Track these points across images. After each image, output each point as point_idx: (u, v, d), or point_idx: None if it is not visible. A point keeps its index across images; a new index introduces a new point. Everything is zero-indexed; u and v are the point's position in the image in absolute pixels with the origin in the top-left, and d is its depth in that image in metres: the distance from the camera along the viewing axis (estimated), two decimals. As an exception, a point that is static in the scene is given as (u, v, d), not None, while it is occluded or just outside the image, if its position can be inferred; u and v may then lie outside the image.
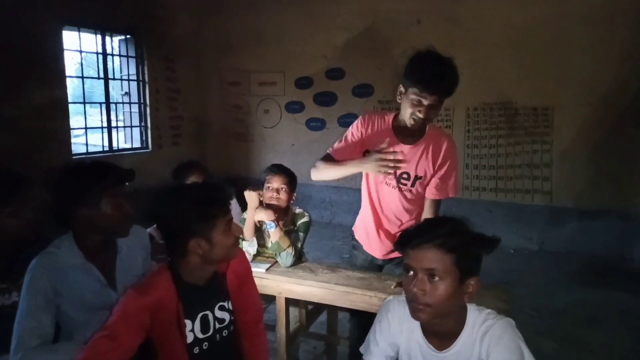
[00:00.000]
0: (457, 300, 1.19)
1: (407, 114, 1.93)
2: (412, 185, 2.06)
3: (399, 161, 1.89)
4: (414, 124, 1.94)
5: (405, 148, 2.02)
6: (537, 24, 4.85)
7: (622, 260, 4.67)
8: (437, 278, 1.15)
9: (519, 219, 5.12)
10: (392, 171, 1.93)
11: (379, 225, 2.20)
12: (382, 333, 1.38)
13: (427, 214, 2.10)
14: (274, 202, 2.35)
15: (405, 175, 2.06)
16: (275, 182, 2.37)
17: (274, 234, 2.27)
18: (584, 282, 4.20)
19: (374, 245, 2.25)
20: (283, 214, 2.40)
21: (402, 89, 1.95)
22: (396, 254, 2.16)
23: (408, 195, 2.10)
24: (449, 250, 1.15)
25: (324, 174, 2.10)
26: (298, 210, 2.46)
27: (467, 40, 5.14)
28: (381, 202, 2.16)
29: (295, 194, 2.45)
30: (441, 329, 1.24)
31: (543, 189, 5.10)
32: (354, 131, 2.10)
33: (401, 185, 2.07)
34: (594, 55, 4.69)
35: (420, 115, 1.89)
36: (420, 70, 1.86)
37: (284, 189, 2.36)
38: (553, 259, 4.83)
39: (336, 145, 2.13)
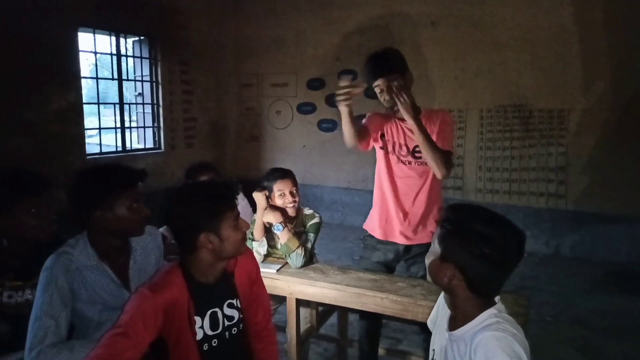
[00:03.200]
0: (441, 276, 1.23)
1: (385, 105, 2.22)
2: (412, 156, 2.23)
3: (350, 87, 1.99)
4: (392, 108, 2.19)
5: (406, 125, 2.20)
6: (555, 27, 4.80)
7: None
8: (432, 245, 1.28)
9: (534, 222, 5.04)
10: (348, 98, 1.99)
11: (396, 200, 2.27)
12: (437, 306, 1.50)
13: None
14: (290, 206, 2.33)
15: (404, 149, 2.25)
16: (287, 187, 2.33)
17: (282, 236, 2.26)
18: (604, 290, 4.10)
19: (396, 228, 2.26)
20: (293, 216, 2.39)
21: None
22: (419, 239, 2.23)
23: (408, 165, 2.25)
24: (441, 225, 1.24)
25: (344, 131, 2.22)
26: (308, 212, 2.44)
27: (481, 42, 5.11)
28: (394, 176, 2.30)
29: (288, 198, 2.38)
30: (452, 308, 1.28)
31: (558, 192, 5.02)
32: (368, 118, 2.36)
33: (401, 157, 2.26)
34: (614, 59, 4.61)
35: (384, 98, 2.16)
36: (364, 68, 2.21)
37: (296, 191, 2.35)
38: (569, 264, 4.74)
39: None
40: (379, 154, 2.34)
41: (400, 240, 2.27)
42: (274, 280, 2.20)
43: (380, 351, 2.57)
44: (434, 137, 2.13)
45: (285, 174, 2.37)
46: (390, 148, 2.29)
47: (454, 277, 1.21)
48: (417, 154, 2.22)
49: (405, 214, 2.26)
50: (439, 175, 2.13)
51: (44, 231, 1.65)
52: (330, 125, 6.16)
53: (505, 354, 1.09)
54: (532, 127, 5.06)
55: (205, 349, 1.43)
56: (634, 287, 4.15)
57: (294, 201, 2.33)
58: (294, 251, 2.25)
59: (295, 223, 2.39)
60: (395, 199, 2.28)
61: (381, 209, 2.34)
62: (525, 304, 1.88)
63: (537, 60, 4.91)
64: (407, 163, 2.25)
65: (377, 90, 2.17)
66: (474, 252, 1.17)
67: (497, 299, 1.25)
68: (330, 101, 6.08)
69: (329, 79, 6.02)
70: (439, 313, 1.44)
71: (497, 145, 5.24)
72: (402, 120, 2.19)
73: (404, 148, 2.24)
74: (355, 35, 5.72)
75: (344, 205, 6.14)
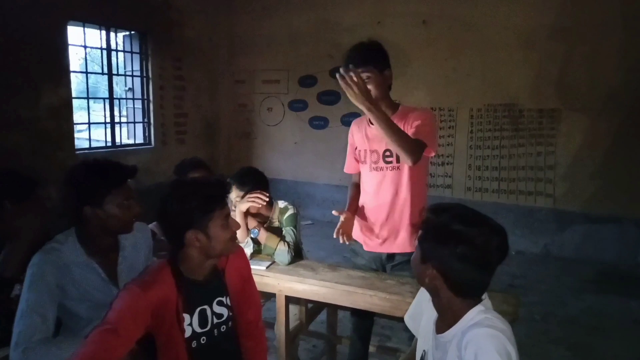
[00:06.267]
0: (422, 277, 1.24)
1: None
2: (384, 162, 2.13)
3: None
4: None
5: (372, 129, 2.12)
6: (546, 27, 4.84)
7: (635, 268, 4.60)
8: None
9: (523, 221, 5.09)
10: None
11: (372, 212, 2.22)
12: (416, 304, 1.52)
13: None
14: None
15: (375, 155, 2.15)
16: (232, 195, 2.29)
17: (260, 239, 2.30)
18: (590, 288, 4.15)
19: (375, 239, 2.23)
20: (268, 213, 2.40)
21: None
22: (402, 247, 2.16)
23: (380, 172, 2.15)
24: (419, 227, 1.26)
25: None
26: (282, 205, 2.44)
27: (472, 42, 5.14)
28: (369, 186, 2.22)
29: (267, 196, 2.30)
30: (438, 309, 1.28)
31: (546, 191, 5.07)
32: (349, 142, 2.32)
33: (373, 164, 2.16)
34: (603, 58, 4.66)
35: None
36: (344, 56, 2.09)
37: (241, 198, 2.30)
38: (557, 263, 4.80)
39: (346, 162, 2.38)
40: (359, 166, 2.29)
41: (382, 250, 2.23)
42: (263, 277, 2.20)
43: (370, 348, 2.58)
44: (411, 130, 2.01)
45: (233, 182, 2.30)
46: (362, 157, 2.21)
47: (434, 278, 1.21)
48: (387, 159, 2.11)
49: (383, 224, 2.17)
50: (408, 163, 1.92)
51: (35, 232, 1.63)
52: (321, 123, 6.16)
53: (495, 350, 1.09)
54: (522, 127, 5.10)
55: (194, 346, 1.43)
56: (622, 287, 4.20)
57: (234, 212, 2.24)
58: (276, 248, 2.27)
59: (270, 220, 2.40)
60: (371, 210, 2.22)
61: (360, 221, 2.30)
62: (514, 302, 1.90)
63: (528, 60, 4.94)
64: (379, 170, 2.14)
65: None
66: (448, 252, 1.16)
67: (483, 295, 1.24)
68: (323, 99, 6.09)
69: (321, 76, 6.02)
70: (422, 312, 1.43)
71: (487, 144, 5.28)
72: (372, 124, 2.11)
73: (374, 154, 2.14)
74: (348, 33, 5.71)
75: (335, 203, 6.14)
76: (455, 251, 1.15)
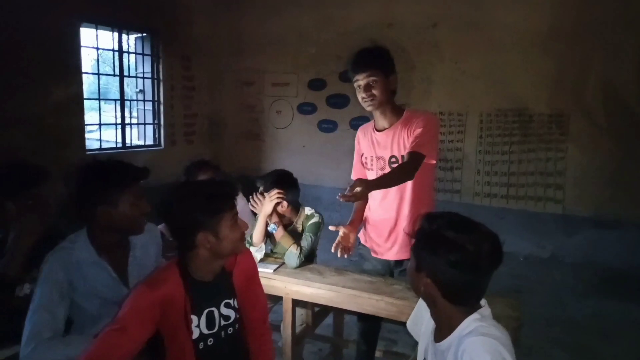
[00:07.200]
0: (417, 285, 1.23)
1: (361, 104, 2.10)
2: (390, 168, 2.12)
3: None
4: (368, 109, 2.10)
5: (377, 135, 2.17)
6: (555, 29, 4.81)
7: (639, 272, 4.57)
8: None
9: (530, 227, 5.06)
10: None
11: (380, 219, 2.22)
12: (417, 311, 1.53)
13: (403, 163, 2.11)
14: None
15: (381, 162, 2.16)
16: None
17: (277, 235, 2.32)
18: (598, 293, 4.13)
19: (383, 246, 2.23)
20: (294, 215, 2.42)
21: None
22: (406, 255, 2.15)
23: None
24: (413, 235, 1.24)
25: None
26: (309, 212, 2.45)
27: (482, 45, 5.12)
28: (373, 193, 2.18)
29: (285, 203, 2.35)
30: (434, 318, 1.28)
31: (555, 197, 5.04)
32: (356, 149, 2.33)
33: (379, 171, 2.16)
34: (613, 62, 4.63)
35: (363, 95, 2.05)
36: (349, 62, 2.13)
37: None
38: (565, 268, 4.77)
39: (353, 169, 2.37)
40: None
41: (390, 257, 2.23)
42: (270, 279, 2.21)
43: (376, 353, 2.58)
44: (411, 139, 2.02)
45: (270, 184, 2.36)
46: (368, 164, 2.22)
47: (428, 287, 1.20)
48: (393, 165, 2.11)
49: (391, 231, 2.19)
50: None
51: (43, 225, 1.65)
52: (330, 126, 6.16)
53: (485, 352, 1.08)
54: (532, 132, 5.07)
55: (201, 347, 1.44)
56: (627, 291, 4.18)
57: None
58: (288, 249, 2.28)
59: (295, 223, 2.41)
60: (379, 217, 2.22)
61: (368, 227, 2.31)
62: (516, 305, 1.89)
63: (538, 64, 4.91)
64: (375, 173, 2.16)
65: (355, 86, 2.09)
66: (441, 260, 1.15)
67: (483, 302, 1.24)
68: (331, 102, 6.10)
69: (330, 79, 6.03)
70: (423, 320, 1.43)
71: (496, 149, 5.25)
72: (377, 131, 2.16)
73: (380, 161, 2.16)
74: (356, 34, 5.70)
75: (342, 206, 6.11)
76: (447, 258, 1.14)
